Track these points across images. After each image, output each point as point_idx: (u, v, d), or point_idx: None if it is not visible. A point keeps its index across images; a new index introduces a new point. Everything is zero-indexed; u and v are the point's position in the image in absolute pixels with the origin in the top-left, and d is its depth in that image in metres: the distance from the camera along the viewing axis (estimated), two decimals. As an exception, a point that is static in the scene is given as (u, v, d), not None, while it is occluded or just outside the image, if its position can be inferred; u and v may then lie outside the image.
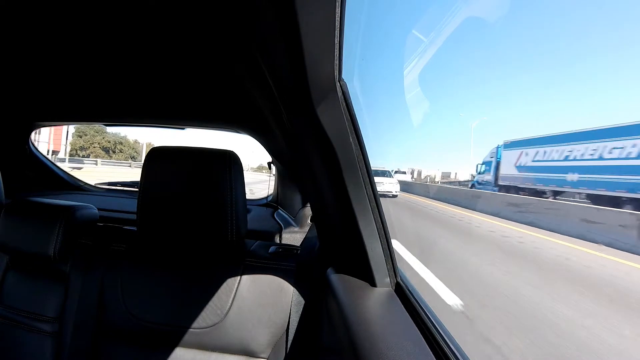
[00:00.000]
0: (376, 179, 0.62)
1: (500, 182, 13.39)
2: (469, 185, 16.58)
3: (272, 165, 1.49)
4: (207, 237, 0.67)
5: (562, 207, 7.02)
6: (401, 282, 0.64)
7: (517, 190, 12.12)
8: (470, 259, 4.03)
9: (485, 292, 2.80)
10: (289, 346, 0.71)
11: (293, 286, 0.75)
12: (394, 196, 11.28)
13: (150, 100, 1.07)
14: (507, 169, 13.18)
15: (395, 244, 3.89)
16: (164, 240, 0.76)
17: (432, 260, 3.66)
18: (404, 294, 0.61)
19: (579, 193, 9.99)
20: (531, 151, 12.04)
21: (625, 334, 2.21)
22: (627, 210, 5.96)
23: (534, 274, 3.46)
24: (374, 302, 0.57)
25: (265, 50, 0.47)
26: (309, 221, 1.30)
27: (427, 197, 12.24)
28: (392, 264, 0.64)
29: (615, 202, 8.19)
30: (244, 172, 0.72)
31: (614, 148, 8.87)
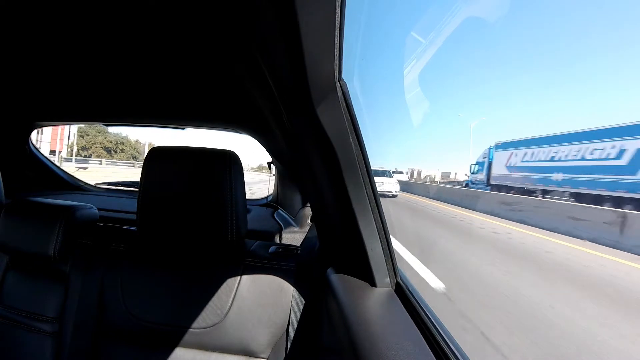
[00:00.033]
0: (376, 179, 0.62)
1: (492, 182, 13.99)
2: (463, 185, 17.19)
3: (272, 165, 1.49)
4: (207, 237, 0.67)
5: (550, 205, 7.37)
6: (401, 282, 0.64)
7: (507, 189, 12.77)
8: (455, 248, 4.56)
9: (467, 277, 3.23)
10: (289, 346, 0.71)
11: (293, 286, 0.75)
12: (394, 196, 11.38)
13: (150, 100, 1.07)
14: (498, 169, 13.83)
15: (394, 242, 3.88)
16: (164, 240, 0.76)
17: (424, 252, 4.08)
18: (404, 294, 0.61)
19: (564, 192, 10.58)
20: (520, 152, 12.68)
21: (586, 309, 2.59)
22: (610, 209, 6.29)
23: (518, 266, 3.76)
24: (374, 302, 0.57)
25: (265, 50, 0.47)
26: (309, 221, 1.30)
27: (425, 197, 12.65)
28: (392, 264, 0.64)
29: (596, 199, 8.73)
30: (244, 172, 0.72)
31: (595, 149, 9.48)
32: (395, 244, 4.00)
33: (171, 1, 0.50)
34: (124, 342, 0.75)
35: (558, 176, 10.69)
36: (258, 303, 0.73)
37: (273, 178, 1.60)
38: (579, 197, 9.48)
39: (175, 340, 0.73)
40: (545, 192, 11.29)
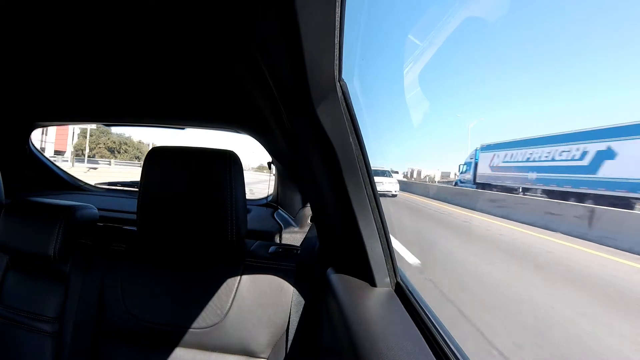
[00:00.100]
0: (376, 179, 0.62)
1: (478, 180, 15.31)
2: (453, 184, 18.72)
3: (272, 165, 1.49)
4: (207, 237, 0.67)
5: (530, 201, 8.24)
6: (401, 282, 0.64)
7: (491, 187, 13.99)
8: (438, 237, 5.35)
9: (438, 254, 4.08)
10: (289, 346, 0.71)
11: (293, 286, 0.75)
12: (394, 195, 11.46)
13: (150, 100, 1.06)
14: (483, 169, 15.18)
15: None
16: (164, 240, 0.76)
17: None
18: (404, 294, 0.61)
19: (537, 189, 11.77)
20: (501, 153, 13.98)
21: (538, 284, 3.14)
22: (580, 204, 7.02)
23: (496, 256, 4.21)
24: (374, 302, 0.57)
25: (265, 50, 0.47)
26: (309, 221, 1.30)
27: (422, 196, 13.42)
28: (392, 264, 0.64)
29: (564, 196, 9.77)
30: (244, 172, 0.72)
31: (563, 151, 10.69)
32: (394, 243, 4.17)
33: (171, 1, 0.50)
34: (124, 342, 0.75)
35: (532, 175, 11.90)
36: (258, 303, 0.73)
37: (273, 178, 1.60)
38: (550, 194, 10.52)
39: (175, 340, 0.73)
40: (525, 190, 12.35)
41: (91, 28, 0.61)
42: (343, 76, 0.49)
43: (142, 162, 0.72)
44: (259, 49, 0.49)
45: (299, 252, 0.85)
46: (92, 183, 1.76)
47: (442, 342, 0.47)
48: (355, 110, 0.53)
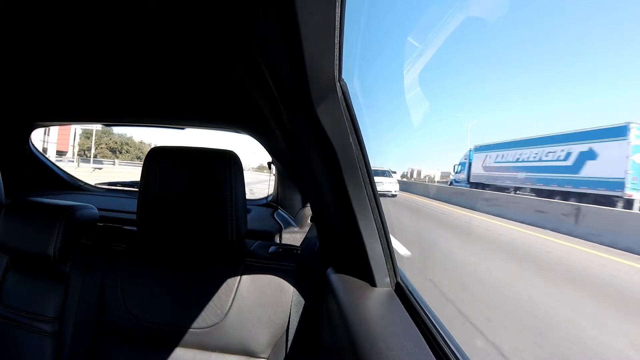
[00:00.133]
0: (376, 179, 0.62)
1: (471, 180, 16.01)
2: (448, 183, 19.42)
3: (272, 165, 1.49)
4: (207, 237, 0.67)
5: (521, 200, 8.75)
6: (401, 282, 0.64)
7: (483, 186, 14.58)
8: (428, 232, 5.80)
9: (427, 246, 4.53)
10: (289, 346, 0.71)
11: (293, 286, 0.75)
12: (394, 195, 11.50)
13: (150, 100, 1.06)
14: (476, 169, 15.88)
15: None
16: (164, 240, 0.76)
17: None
18: (404, 294, 0.61)
19: (526, 188, 12.44)
20: (493, 154, 14.66)
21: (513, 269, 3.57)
22: (568, 203, 7.46)
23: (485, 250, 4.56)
24: (374, 302, 0.57)
25: (265, 50, 0.47)
26: (309, 221, 1.30)
27: (422, 196, 13.92)
28: (392, 264, 0.64)
29: (550, 194, 10.34)
30: (244, 172, 0.72)
31: (549, 152, 11.34)
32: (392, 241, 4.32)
33: (171, 1, 0.50)
34: (124, 342, 0.75)
35: (522, 175, 12.56)
36: (258, 303, 0.73)
37: (273, 178, 1.60)
38: (538, 193, 11.15)
39: (175, 340, 0.73)
40: (517, 189, 13.00)
41: (91, 28, 0.61)
42: (343, 76, 0.49)
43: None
44: (259, 49, 0.49)
45: (299, 252, 0.85)
46: (94, 183, 1.76)
47: (442, 342, 0.47)
48: (355, 110, 0.53)
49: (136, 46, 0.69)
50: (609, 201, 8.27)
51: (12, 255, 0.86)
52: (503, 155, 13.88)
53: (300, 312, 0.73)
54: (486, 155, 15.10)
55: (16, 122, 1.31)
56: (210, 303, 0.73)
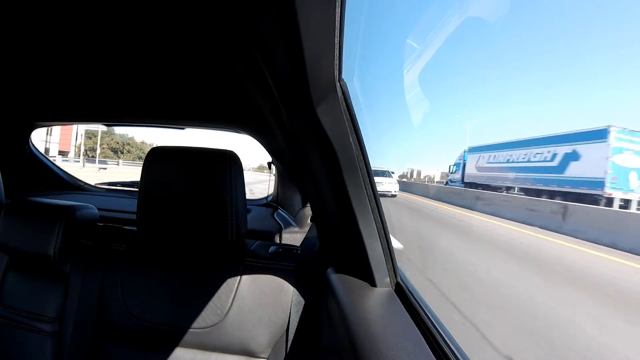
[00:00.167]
0: (376, 179, 0.62)
1: (465, 180, 16.72)
2: (444, 183, 20.26)
3: (272, 165, 1.49)
4: (207, 237, 0.67)
5: (513, 199, 9.45)
6: (401, 282, 0.64)
7: (476, 186, 15.12)
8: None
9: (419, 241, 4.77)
10: (289, 346, 0.71)
11: (293, 286, 0.75)
12: (393, 196, 11.53)
13: (150, 100, 1.06)
14: (470, 169, 16.52)
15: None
16: (164, 240, 0.76)
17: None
18: (404, 294, 0.61)
19: (515, 187, 13.09)
20: (485, 155, 15.27)
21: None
22: (556, 201, 7.92)
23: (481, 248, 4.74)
24: (374, 302, 0.57)
25: (265, 50, 0.47)
26: (309, 221, 1.30)
27: (421, 196, 14.36)
28: (392, 264, 0.64)
29: (537, 193, 10.88)
30: (244, 172, 0.72)
31: (537, 153, 11.90)
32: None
33: (171, 1, 0.50)
34: (124, 342, 0.75)
35: (511, 175, 13.12)
36: (258, 303, 0.73)
37: (273, 178, 1.60)
38: (527, 192, 11.74)
39: (175, 340, 0.73)
40: (508, 188, 13.65)
41: (91, 28, 0.61)
42: (343, 76, 0.49)
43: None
44: (259, 49, 0.49)
45: (299, 252, 0.85)
46: (94, 183, 1.76)
47: (442, 342, 0.47)
48: (355, 110, 0.53)
49: (136, 46, 0.69)
50: (590, 199, 8.77)
51: (12, 255, 0.86)
52: (495, 156, 14.53)
53: (300, 312, 0.73)
54: (479, 156, 15.74)
55: (16, 122, 1.31)
56: (210, 303, 0.73)
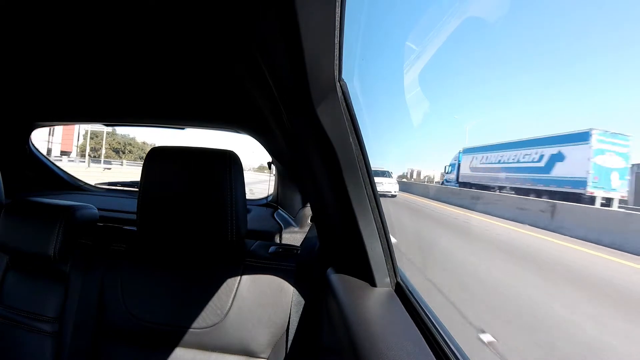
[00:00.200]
0: (376, 179, 0.62)
1: (460, 180, 17.42)
2: (440, 182, 21.00)
3: (272, 165, 1.49)
4: (207, 237, 0.67)
5: (505, 198, 9.91)
6: (401, 282, 0.64)
7: (470, 185, 15.72)
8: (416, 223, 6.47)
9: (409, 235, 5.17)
10: (289, 346, 0.71)
11: (293, 286, 0.75)
12: (393, 196, 11.54)
13: (150, 100, 1.06)
14: (465, 170, 17.23)
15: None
16: (164, 240, 0.76)
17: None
18: (404, 294, 0.61)
19: (506, 186, 13.62)
20: (479, 156, 15.94)
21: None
22: (544, 200, 8.23)
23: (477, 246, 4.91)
24: (374, 302, 0.57)
25: (265, 50, 0.47)
26: (309, 221, 1.30)
27: (421, 196, 14.59)
28: (392, 264, 0.64)
29: (526, 192, 11.42)
30: (244, 172, 0.72)
31: (526, 154, 12.62)
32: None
33: (171, 1, 0.50)
34: (124, 342, 0.75)
35: (502, 175, 13.77)
36: (258, 303, 0.73)
37: (273, 178, 1.60)
38: (517, 191, 12.34)
39: (175, 340, 0.73)
40: (500, 188, 14.15)
41: (91, 28, 0.61)
42: (343, 76, 0.49)
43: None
44: (259, 49, 0.49)
45: (299, 252, 0.85)
46: (94, 183, 1.76)
47: (442, 342, 0.47)
48: (355, 110, 0.53)
49: (136, 46, 0.69)
50: (574, 198, 9.31)
51: (12, 255, 0.86)
52: (487, 157, 15.17)
53: (300, 312, 0.73)
54: (473, 157, 16.38)
55: (16, 122, 1.31)
56: (210, 303, 0.73)
